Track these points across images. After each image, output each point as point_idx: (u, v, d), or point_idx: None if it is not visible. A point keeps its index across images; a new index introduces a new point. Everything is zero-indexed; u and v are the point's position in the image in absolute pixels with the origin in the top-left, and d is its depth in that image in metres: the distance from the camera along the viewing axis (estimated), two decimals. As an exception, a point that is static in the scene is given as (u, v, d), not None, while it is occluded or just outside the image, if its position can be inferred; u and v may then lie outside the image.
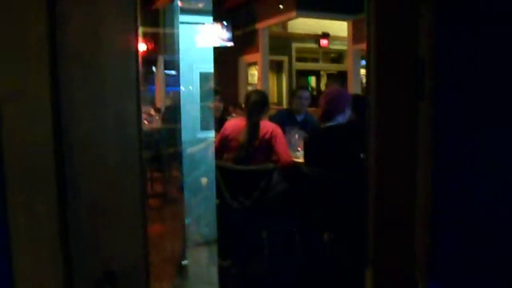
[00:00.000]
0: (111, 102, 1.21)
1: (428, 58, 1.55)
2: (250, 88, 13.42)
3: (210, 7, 5.01)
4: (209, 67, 4.94)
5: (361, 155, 3.26)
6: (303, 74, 15.56)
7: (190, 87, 4.85)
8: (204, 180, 3.99)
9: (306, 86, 6.10)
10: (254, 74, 13.51)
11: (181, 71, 4.78)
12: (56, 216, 1.16)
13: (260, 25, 11.94)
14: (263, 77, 12.26)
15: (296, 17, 10.70)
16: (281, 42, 13.83)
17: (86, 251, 1.22)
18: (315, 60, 15.73)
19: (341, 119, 3.44)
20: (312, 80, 16.23)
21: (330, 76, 16.20)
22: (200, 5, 5.03)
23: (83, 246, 1.21)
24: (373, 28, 1.63)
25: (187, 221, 4.06)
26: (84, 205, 1.21)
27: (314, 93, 13.89)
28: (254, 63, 13.08)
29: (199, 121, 4.60)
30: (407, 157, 1.61)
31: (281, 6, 10.62)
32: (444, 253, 1.55)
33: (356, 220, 3.25)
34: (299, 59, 14.85)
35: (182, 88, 4.80)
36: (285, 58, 14.39)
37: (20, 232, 1.13)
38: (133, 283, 1.31)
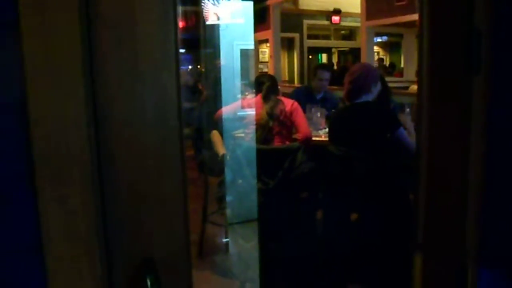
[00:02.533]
0: (148, 77, 1.11)
1: (485, 28, 1.44)
2: (261, 66, 13.30)
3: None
4: (246, 44, 4.90)
5: (388, 135, 3.17)
6: (315, 51, 15.42)
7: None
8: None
9: (326, 64, 5.97)
10: (265, 52, 13.36)
11: (221, 47, 4.73)
12: (93, 208, 1.06)
13: (271, 2, 11.75)
14: (274, 55, 12.12)
15: (309, -8, 10.54)
16: (293, 19, 13.65)
17: (126, 241, 1.13)
18: (327, 37, 15.56)
19: (368, 98, 3.30)
20: (323, 57, 16.09)
21: (341, 53, 16.04)
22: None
23: (122, 236, 1.12)
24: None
25: (228, 199, 4.01)
26: (122, 193, 1.12)
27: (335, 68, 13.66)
28: (265, 41, 12.93)
29: (239, 99, 4.54)
30: (459, 136, 1.51)
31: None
32: (497, 240, 1.47)
33: (383, 199, 3.21)
34: (310, 36, 14.69)
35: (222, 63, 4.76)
36: (296, 35, 14.22)
37: (53, 228, 1.04)
38: (175, 271, 1.23)
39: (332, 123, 3.51)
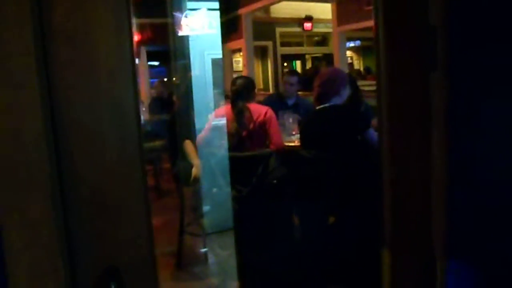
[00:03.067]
0: (105, 87, 1.10)
1: (441, 25, 1.46)
2: (235, 75, 13.31)
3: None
4: (217, 53, 4.93)
5: (358, 137, 3.19)
6: (288, 59, 15.48)
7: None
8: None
9: (293, 70, 6.03)
10: (239, 61, 13.38)
11: (191, 58, 4.72)
12: (53, 217, 1.05)
13: (243, 11, 11.79)
14: (248, 64, 12.14)
15: (279, 0, 10.58)
16: (265, 27, 13.69)
17: (89, 249, 1.13)
18: (300, 44, 15.64)
19: (337, 101, 3.33)
20: (297, 64, 16.16)
21: (315, 59, 16.13)
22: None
23: (85, 244, 1.11)
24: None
25: (205, 209, 3.99)
26: (84, 202, 1.11)
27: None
28: (239, 50, 12.95)
29: (212, 108, 4.52)
30: (420, 131, 1.52)
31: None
32: (462, 230, 1.48)
33: (357, 201, 3.22)
34: (283, 44, 14.75)
35: (194, 74, 4.75)
36: (269, 43, 14.26)
37: (14, 238, 1.02)
38: (140, 278, 1.22)
39: (303, 127, 3.52)
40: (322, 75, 3.42)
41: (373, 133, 3.20)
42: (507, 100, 1.53)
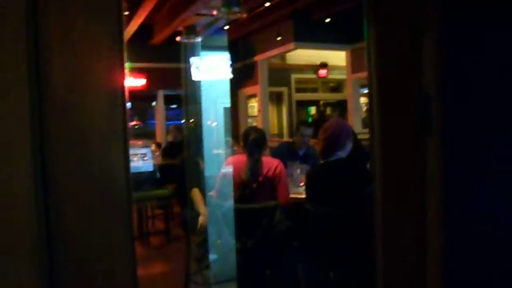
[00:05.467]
0: (97, 158, 1.12)
1: (435, 91, 1.47)
2: (250, 120, 13.39)
3: (226, 42, 5.06)
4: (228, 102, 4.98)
5: (366, 189, 3.16)
6: (303, 105, 15.55)
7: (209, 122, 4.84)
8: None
9: (309, 122, 6.01)
10: (254, 106, 13.49)
11: (203, 106, 4.78)
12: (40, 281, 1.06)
13: (258, 58, 11.96)
14: (263, 109, 12.23)
15: (295, 48, 10.73)
16: (280, 74, 13.85)
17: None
18: (314, 90, 15.74)
19: (342, 154, 3.33)
20: (312, 110, 16.22)
21: (326, 104, 16.16)
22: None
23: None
24: (373, 60, 1.54)
25: (212, 258, 3.96)
26: (71, 267, 1.11)
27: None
28: (254, 95, 13.08)
29: (224, 156, 4.52)
30: (416, 195, 1.52)
31: (279, 38, 10.64)
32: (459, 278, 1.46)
33: (361, 257, 3.18)
34: (298, 90, 14.86)
35: (206, 122, 4.81)
36: (284, 89, 14.39)
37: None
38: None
39: (309, 181, 3.51)
40: (326, 129, 3.41)
41: None
42: (504, 169, 1.52)
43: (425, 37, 1.46)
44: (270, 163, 3.81)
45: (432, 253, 1.48)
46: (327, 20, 10.30)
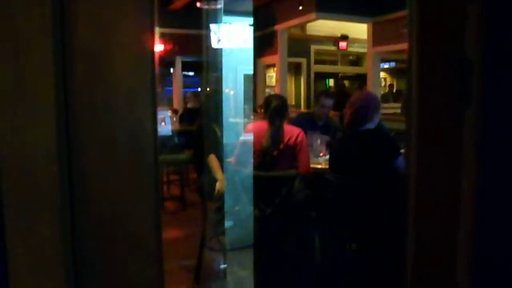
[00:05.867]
0: (123, 109, 1.08)
1: (476, 58, 1.40)
2: (268, 90, 13.31)
3: (250, 8, 4.93)
4: (250, 69, 4.89)
5: (388, 164, 3.12)
6: (322, 77, 15.43)
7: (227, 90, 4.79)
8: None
9: (329, 92, 5.91)
10: (272, 76, 13.40)
11: (223, 72, 4.71)
12: (62, 240, 1.03)
13: (279, 27, 11.82)
14: (281, 80, 12.13)
15: (316, 18, 10.57)
16: (300, 44, 13.70)
17: (95, 277, 1.09)
18: (334, 62, 15.59)
19: (370, 126, 3.28)
20: (330, 82, 16.09)
21: (344, 78, 16.00)
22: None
23: (91, 272, 1.08)
24: (415, 24, 1.48)
25: (227, 224, 3.95)
26: (93, 226, 1.08)
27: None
28: (273, 65, 12.97)
29: (242, 124, 4.48)
30: (450, 172, 1.46)
31: (300, 8, 10.48)
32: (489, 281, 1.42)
33: (381, 230, 3.16)
34: (317, 62, 14.72)
35: (225, 90, 4.74)
36: (303, 60, 14.26)
37: (19, 261, 1.00)
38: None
39: (334, 151, 3.47)
40: (354, 101, 3.37)
41: (402, 161, 3.13)
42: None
43: (470, 4, 1.40)
44: (291, 131, 3.76)
45: (464, 231, 1.44)
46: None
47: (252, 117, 6.19)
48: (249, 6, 5.03)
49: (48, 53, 0.98)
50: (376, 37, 11.02)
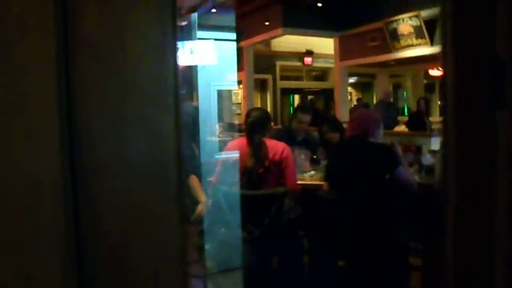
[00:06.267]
0: (139, 117, 0.90)
1: (509, 59, 1.31)
2: (233, 108, 13.16)
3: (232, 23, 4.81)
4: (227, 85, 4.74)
5: (387, 175, 3.02)
6: (286, 93, 15.40)
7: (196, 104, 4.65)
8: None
9: (307, 107, 5.77)
10: (238, 93, 13.26)
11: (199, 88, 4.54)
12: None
13: (244, 43, 11.72)
14: (248, 96, 12.02)
15: (282, 34, 10.52)
16: (265, 60, 13.64)
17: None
18: (299, 78, 15.59)
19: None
20: (295, 98, 16.06)
21: (309, 93, 15.99)
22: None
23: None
24: (449, 26, 1.37)
25: (207, 247, 3.72)
26: (104, 265, 0.89)
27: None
28: (239, 82, 12.85)
29: (217, 142, 4.31)
30: (485, 177, 1.36)
31: (267, 23, 10.42)
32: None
33: (375, 247, 3.02)
34: (283, 77, 14.69)
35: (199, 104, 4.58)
36: (269, 77, 14.20)
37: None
38: None
39: (331, 161, 3.37)
40: (356, 118, 3.36)
41: (403, 170, 3.05)
42: None
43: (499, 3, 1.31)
44: (275, 147, 3.55)
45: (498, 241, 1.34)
46: (319, 4, 10.11)
47: (220, 135, 6.04)
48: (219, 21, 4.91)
49: (49, 49, 0.80)
50: (343, 51, 11.04)
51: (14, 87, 0.79)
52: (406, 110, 14.24)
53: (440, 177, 3.02)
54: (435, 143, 5.84)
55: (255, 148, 3.45)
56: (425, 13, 8.90)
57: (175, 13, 0.91)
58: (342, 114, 11.33)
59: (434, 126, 8.92)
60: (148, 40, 0.89)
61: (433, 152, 4.74)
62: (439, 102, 15.13)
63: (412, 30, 9.17)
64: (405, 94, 15.64)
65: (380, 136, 3.30)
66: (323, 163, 4.22)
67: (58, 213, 0.82)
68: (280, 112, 14.48)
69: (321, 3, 10.12)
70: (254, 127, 3.53)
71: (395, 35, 9.59)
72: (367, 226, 2.90)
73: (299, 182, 3.66)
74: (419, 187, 3.21)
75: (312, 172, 4.07)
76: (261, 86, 14.38)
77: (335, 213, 2.98)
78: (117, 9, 0.86)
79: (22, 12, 0.78)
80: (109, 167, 0.88)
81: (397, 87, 15.82)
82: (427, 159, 4.18)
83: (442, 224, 1.42)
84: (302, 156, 4.21)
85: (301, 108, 5.41)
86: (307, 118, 4.93)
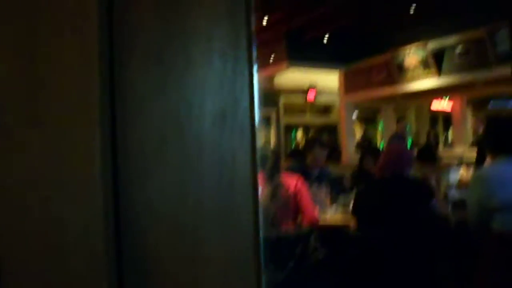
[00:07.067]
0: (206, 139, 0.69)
1: None
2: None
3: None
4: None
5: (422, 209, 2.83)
6: (291, 128, 15.24)
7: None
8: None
9: (323, 142, 5.54)
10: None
11: None
12: None
13: (248, 79, 11.61)
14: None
15: (287, 67, 10.41)
16: (269, 97, 13.51)
17: None
18: (302, 113, 15.45)
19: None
20: (299, 134, 15.89)
21: (311, 128, 15.84)
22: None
23: None
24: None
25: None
26: None
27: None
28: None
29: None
30: None
31: (271, 58, 10.33)
32: None
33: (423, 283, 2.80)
34: (286, 113, 14.56)
35: None
36: (273, 112, 14.06)
37: None
38: None
39: (359, 197, 3.18)
40: (389, 152, 3.27)
41: (436, 203, 2.87)
42: None
43: None
44: (288, 180, 3.39)
45: None
46: (325, 39, 10.04)
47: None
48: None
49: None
50: (348, 85, 10.93)
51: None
52: (409, 143, 14.05)
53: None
54: (453, 176, 5.65)
55: (274, 189, 3.27)
56: (432, 44, 8.80)
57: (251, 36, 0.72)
58: (348, 148, 11.14)
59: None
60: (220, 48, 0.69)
61: (454, 187, 4.55)
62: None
63: (419, 61, 9.06)
64: (408, 128, 15.45)
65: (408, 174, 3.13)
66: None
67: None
68: (284, 148, 14.31)
69: (326, 37, 10.04)
70: (272, 168, 3.38)
71: (401, 67, 9.48)
72: (410, 264, 2.68)
73: (321, 223, 3.45)
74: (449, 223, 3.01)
75: (334, 208, 3.86)
76: (265, 122, 14.24)
77: (365, 251, 2.76)
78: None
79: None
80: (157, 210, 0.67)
81: (400, 120, 15.63)
82: (453, 194, 3.98)
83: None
84: (322, 193, 3.99)
85: (318, 142, 5.23)
86: (324, 154, 4.78)
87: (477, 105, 12.77)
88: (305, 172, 4.69)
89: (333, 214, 3.75)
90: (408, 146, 13.15)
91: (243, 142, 0.70)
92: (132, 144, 0.64)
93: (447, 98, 11.97)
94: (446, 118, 14.51)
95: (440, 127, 15.43)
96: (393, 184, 2.96)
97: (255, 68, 0.71)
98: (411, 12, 8.45)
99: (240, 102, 0.70)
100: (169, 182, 0.66)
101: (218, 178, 0.68)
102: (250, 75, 0.70)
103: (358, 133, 15.66)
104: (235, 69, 0.69)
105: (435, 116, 15.23)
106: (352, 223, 3.14)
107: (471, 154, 9.07)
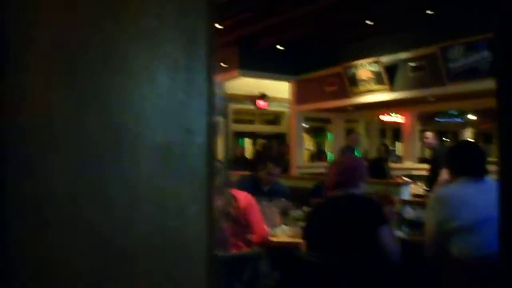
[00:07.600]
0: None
1: None
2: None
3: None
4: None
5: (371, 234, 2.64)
6: (240, 136, 15.00)
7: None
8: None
9: (278, 160, 5.27)
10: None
11: None
12: None
13: (197, 85, 11.34)
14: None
15: (239, 76, 10.21)
16: (218, 103, 13.23)
17: None
18: (251, 121, 15.26)
19: (355, 192, 2.80)
20: (247, 142, 15.66)
21: (260, 136, 15.66)
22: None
23: None
24: None
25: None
26: None
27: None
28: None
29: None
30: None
31: (223, 65, 10.10)
32: None
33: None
34: (235, 121, 14.32)
35: None
36: (221, 120, 13.79)
37: None
38: None
39: (311, 219, 2.95)
40: (340, 163, 3.01)
41: (388, 230, 2.67)
42: None
43: None
44: (237, 194, 3.16)
45: None
46: (278, 48, 9.90)
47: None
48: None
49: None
50: (300, 95, 10.83)
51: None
52: (359, 155, 14.03)
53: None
54: (406, 193, 5.55)
55: (224, 202, 3.01)
56: (385, 59, 8.80)
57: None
58: (298, 158, 11.02)
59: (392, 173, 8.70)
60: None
61: (407, 203, 4.42)
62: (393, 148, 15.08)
63: (371, 75, 9.02)
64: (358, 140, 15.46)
65: (364, 188, 2.94)
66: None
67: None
68: (232, 155, 14.06)
69: (279, 47, 9.90)
70: (222, 179, 3.13)
71: (354, 80, 9.42)
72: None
73: (271, 238, 3.22)
74: (404, 244, 2.86)
75: (284, 227, 3.63)
76: (212, 129, 13.96)
77: (323, 277, 2.54)
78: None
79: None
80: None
81: (350, 132, 15.66)
82: (408, 212, 3.83)
83: None
84: (272, 208, 3.76)
85: (272, 158, 5.02)
86: (277, 170, 4.61)
87: (425, 119, 12.96)
88: (256, 186, 4.48)
89: (279, 233, 3.53)
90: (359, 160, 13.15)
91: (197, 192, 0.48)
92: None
93: (398, 113, 12.07)
94: (395, 131, 14.65)
95: (388, 140, 15.54)
96: (341, 206, 2.78)
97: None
98: (366, 26, 8.43)
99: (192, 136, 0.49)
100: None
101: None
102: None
103: (308, 142, 15.61)
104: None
105: (383, 129, 15.34)
106: (303, 246, 2.93)
107: (419, 168, 9.12)
